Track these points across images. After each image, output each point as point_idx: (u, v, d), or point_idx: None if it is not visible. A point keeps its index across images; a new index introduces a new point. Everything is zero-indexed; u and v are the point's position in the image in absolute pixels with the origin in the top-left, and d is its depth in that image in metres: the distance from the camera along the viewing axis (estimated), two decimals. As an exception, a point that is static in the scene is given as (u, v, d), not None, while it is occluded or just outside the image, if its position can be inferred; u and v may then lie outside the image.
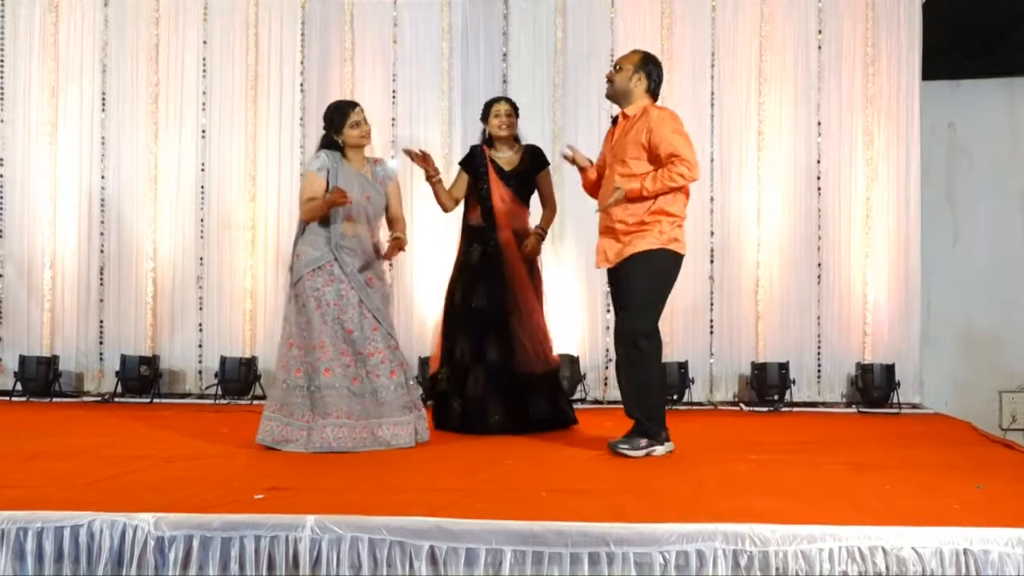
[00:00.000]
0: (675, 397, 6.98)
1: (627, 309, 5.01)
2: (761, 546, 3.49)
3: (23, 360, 7.15)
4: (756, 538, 3.50)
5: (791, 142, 7.25)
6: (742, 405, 7.08)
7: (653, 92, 5.13)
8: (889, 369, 6.99)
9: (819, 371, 7.22)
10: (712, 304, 7.26)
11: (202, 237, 7.37)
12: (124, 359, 7.16)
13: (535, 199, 6.01)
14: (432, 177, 5.74)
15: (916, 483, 4.48)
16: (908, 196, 7.17)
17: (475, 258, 5.81)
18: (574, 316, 7.20)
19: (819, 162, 7.24)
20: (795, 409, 6.96)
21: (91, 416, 6.51)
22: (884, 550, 3.49)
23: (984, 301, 7.49)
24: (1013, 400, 7.45)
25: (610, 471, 4.74)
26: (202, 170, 7.38)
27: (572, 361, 7.03)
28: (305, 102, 7.34)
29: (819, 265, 7.23)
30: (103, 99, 7.42)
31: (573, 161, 5.29)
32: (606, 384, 7.16)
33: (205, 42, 7.41)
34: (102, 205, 7.40)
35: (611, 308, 5.54)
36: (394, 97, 7.39)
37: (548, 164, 5.99)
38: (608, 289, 5.38)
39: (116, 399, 7.09)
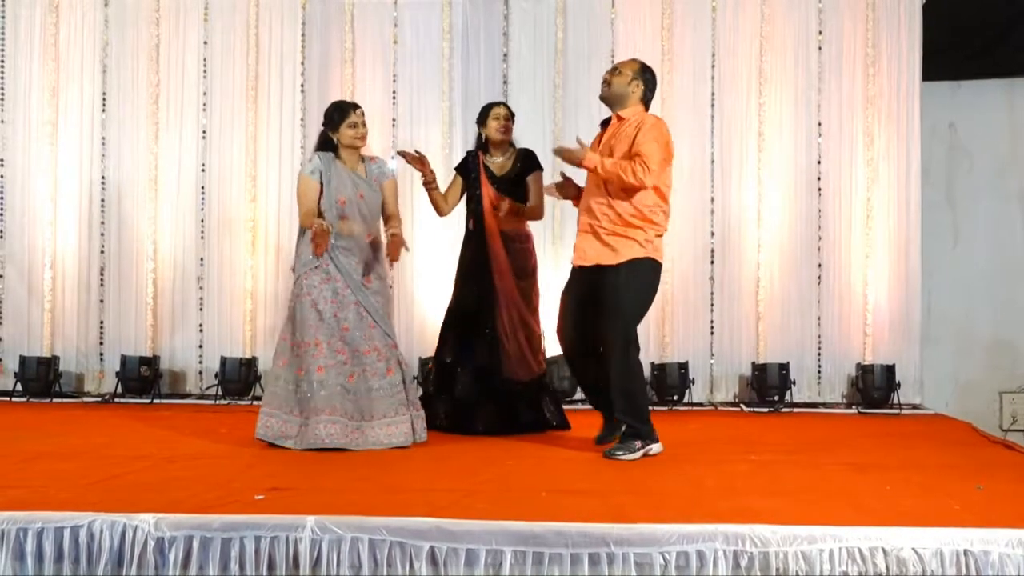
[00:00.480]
0: (675, 398, 6.99)
1: (618, 317, 5.00)
2: (761, 547, 3.49)
3: (23, 360, 7.14)
4: (756, 539, 3.50)
5: (791, 143, 7.25)
6: (742, 406, 7.08)
7: (646, 101, 5.22)
8: (889, 370, 6.99)
9: (819, 372, 7.22)
10: (712, 304, 7.26)
11: (202, 237, 7.37)
12: (124, 359, 7.16)
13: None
14: (428, 181, 5.77)
15: (916, 484, 4.48)
16: (908, 197, 7.18)
17: (467, 263, 5.86)
18: (574, 317, 7.18)
19: (819, 163, 7.25)
20: (795, 410, 6.96)
21: (91, 416, 6.51)
22: (884, 551, 3.49)
23: (984, 302, 7.49)
24: (1013, 401, 7.45)
25: (610, 472, 4.75)
26: (202, 170, 7.38)
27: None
28: (306, 102, 7.35)
29: (819, 266, 7.23)
30: (103, 99, 7.42)
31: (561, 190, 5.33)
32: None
33: (206, 42, 7.41)
34: (102, 205, 7.40)
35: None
36: (394, 97, 7.39)
37: (540, 168, 5.92)
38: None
39: (116, 399, 7.09)
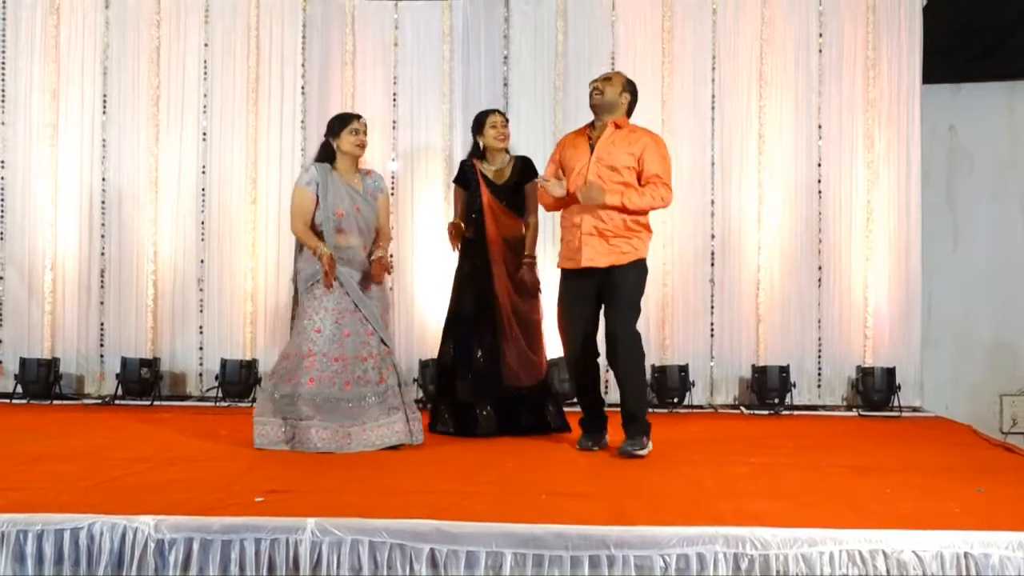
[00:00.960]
0: (675, 400, 6.98)
1: (626, 312, 5.23)
2: (762, 549, 3.49)
3: (24, 362, 7.14)
4: (757, 541, 3.50)
5: (792, 145, 7.25)
6: (742, 408, 7.07)
7: (631, 112, 5.44)
8: (890, 372, 6.99)
9: (820, 374, 7.21)
10: (713, 307, 7.26)
11: (203, 239, 7.37)
12: (125, 361, 7.16)
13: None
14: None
15: (917, 486, 4.48)
16: (909, 199, 7.17)
17: (467, 270, 5.88)
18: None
19: (820, 165, 7.25)
20: (796, 412, 6.96)
21: (92, 418, 6.51)
22: (885, 553, 3.49)
23: (985, 304, 7.49)
24: (1014, 403, 7.45)
25: (611, 474, 4.75)
26: (203, 172, 7.38)
27: (572, 364, 7.01)
28: (306, 104, 7.35)
29: (820, 268, 7.23)
30: (104, 101, 7.42)
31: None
32: (606, 387, 7.14)
33: (206, 44, 7.41)
34: (103, 207, 7.40)
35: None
36: (395, 100, 7.40)
37: (538, 175, 5.84)
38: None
39: (117, 401, 7.09)
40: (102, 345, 7.38)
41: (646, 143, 5.27)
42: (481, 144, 5.90)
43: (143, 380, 7.11)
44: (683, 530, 3.54)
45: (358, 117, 5.52)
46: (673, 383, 7.00)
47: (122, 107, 7.41)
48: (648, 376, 6.85)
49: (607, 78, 5.40)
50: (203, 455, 5.11)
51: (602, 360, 5.50)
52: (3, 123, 7.44)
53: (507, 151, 5.94)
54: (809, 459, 5.25)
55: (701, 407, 7.13)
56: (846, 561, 3.49)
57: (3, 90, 7.45)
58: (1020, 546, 3.48)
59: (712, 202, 7.24)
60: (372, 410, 5.30)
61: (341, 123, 5.46)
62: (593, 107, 5.37)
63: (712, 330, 7.25)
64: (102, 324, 7.38)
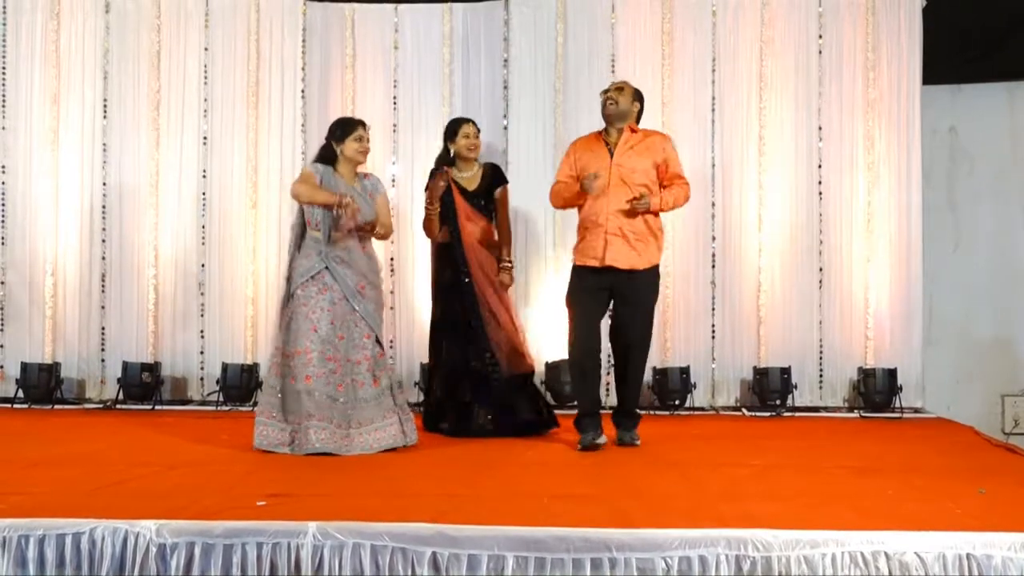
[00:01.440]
0: (677, 402, 6.98)
1: (644, 320, 5.57)
2: (764, 551, 3.48)
3: (25, 367, 7.14)
4: (759, 543, 3.49)
5: (792, 146, 7.25)
6: (744, 410, 7.07)
7: (639, 119, 5.73)
8: (891, 373, 6.99)
9: (821, 376, 7.21)
10: (714, 309, 7.25)
11: (204, 243, 7.37)
12: (126, 366, 7.16)
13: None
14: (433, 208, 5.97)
15: (918, 487, 4.48)
16: (909, 200, 7.17)
17: (447, 276, 6.01)
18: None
19: (820, 166, 7.25)
20: (797, 414, 6.96)
21: (93, 423, 6.52)
22: (887, 555, 3.49)
23: (986, 305, 7.49)
24: (1015, 404, 7.45)
25: (612, 476, 4.75)
26: (203, 176, 7.38)
27: (574, 366, 7.01)
28: (306, 108, 7.35)
29: (820, 269, 7.22)
30: (104, 106, 7.43)
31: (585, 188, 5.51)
32: (607, 390, 7.15)
33: (206, 49, 7.42)
34: (104, 212, 7.40)
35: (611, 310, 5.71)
36: (395, 103, 7.40)
37: (506, 182, 6.16)
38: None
39: (118, 406, 7.08)
40: (103, 349, 7.38)
41: (664, 147, 5.58)
42: (452, 151, 6.05)
43: (144, 384, 7.11)
44: (685, 532, 3.54)
45: (363, 124, 5.56)
46: (674, 385, 7.00)
47: (122, 111, 7.42)
48: (649, 378, 6.89)
49: (619, 88, 5.59)
50: (204, 459, 5.10)
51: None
52: (3, 128, 7.45)
53: (476, 160, 6.10)
54: (811, 460, 5.25)
55: (703, 409, 7.13)
56: (848, 563, 3.49)
57: (4, 95, 7.46)
58: (1022, 547, 3.48)
59: (713, 204, 7.24)
60: (368, 411, 5.34)
61: (346, 129, 5.50)
62: (607, 116, 5.58)
63: (713, 332, 7.25)
64: (103, 328, 7.38)
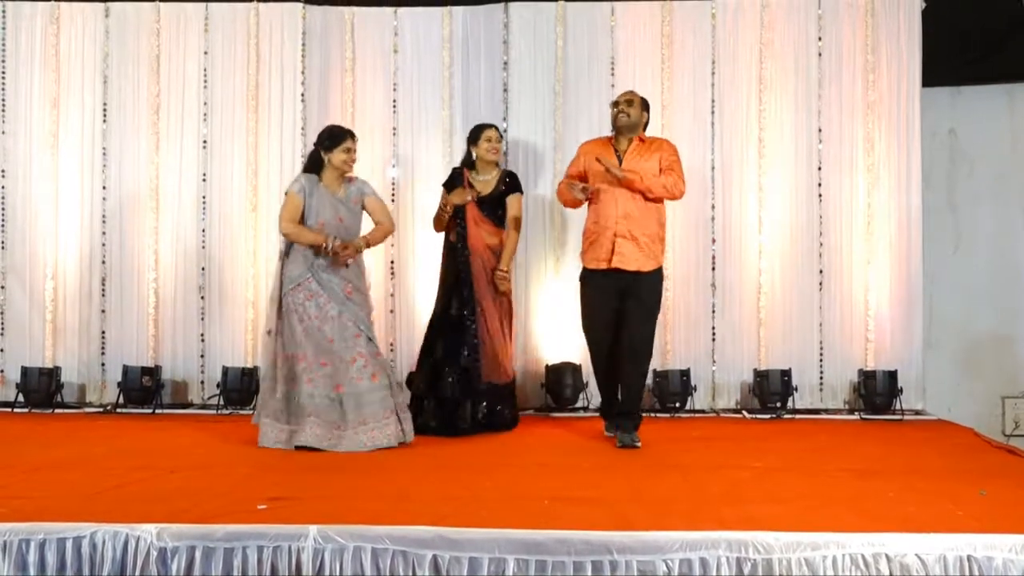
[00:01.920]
0: (677, 405, 6.98)
1: (647, 321, 5.74)
2: (765, 553, 3.49)
3: (25, 371, 7.14)
4: (760, 545, 3.50)
5: (792, 148, 7.25)
6: (744, 412, 7.06)
7: (646, 127, 5.99)
8: (892, 375, 6.98)
9: (821, 378, 7.21)
10: (714, 311, 7.25)
11: (204, 247, 7.37)
12: (126, 370, 7.15)
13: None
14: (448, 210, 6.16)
15: (919, 489, 4.48)
16: (909, 202, 7.17)
17: (451, 273, 6.22)
18: (573, 325, 7.16)
19: (820, 168, 7.24)
20: (798, 416, 6.95)
21: (93, 427, 6.52)
22: (888, 557, 3.49)
23: (986, 306, 7.49)
24: (1016, 406, 7.45)
25: (613, 479, 4.75)
26: (203, 180, 7.38)
27: (574, 370, 7.02)
28: (306, 112, 7.35)
29: (821, 271, 7.22)
30: (104, 110, 7.43)
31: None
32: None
33: (206, 52, 7.42)
34: (103, 216, 7.40)
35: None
36: (395, 106, 7.40)
37: (521, 192, 6.37)
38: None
39: (118, 410, 7.08)
40: (103, 353, 7.37)
41: (664, 149, 5.85)
42: (474, 154, 6.29)
43: (145, 388, 7.10)
44: (686, 535, 3.54)
45: (352, 136, 5.76)
46: (675, 387, 7.00)
47: (122, 115, 7.42)
48: (649, 380, 6.88)
49: (629, 101, 5.83)
50: (205, 463, 5.11)
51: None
52: (3, 132, 7.45)
53: (497, 164, 6.31)
54: (811, 463, 5.25)
55: (703, 411, 7.12)
56: (849, 565, 3.49)
57: (3, 99, 7.46)
58: (1023, 549, 3.48)
59: (713, 206, 7.24)
60: (368, 408, 5.48)
61: (335, 140, 5.70)
62: (618, 128, 5.85)
63: (714, 334, 7.25)
64: (103, 332, 7.38)
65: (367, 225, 5.90)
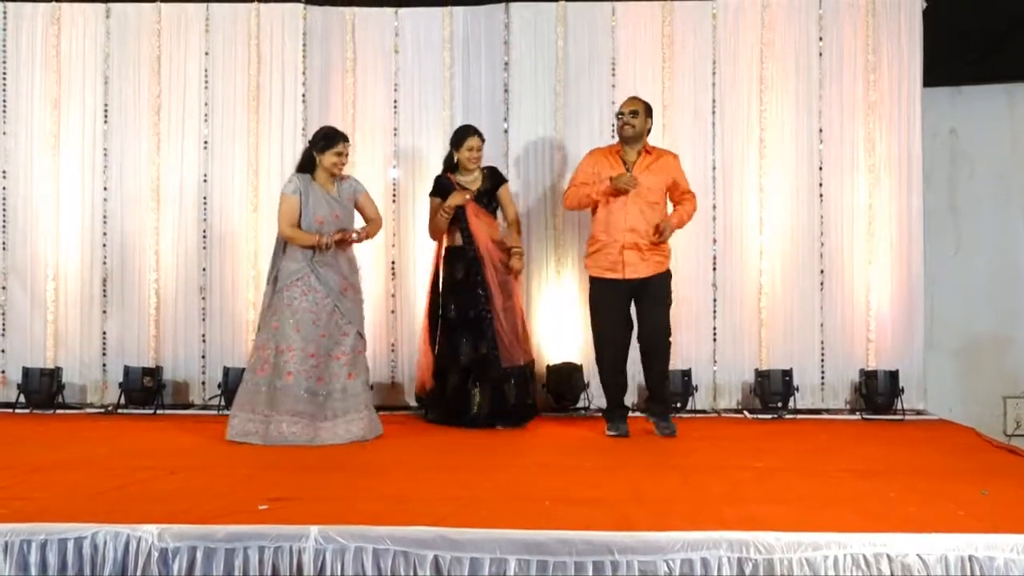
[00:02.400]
0: (679, 405, 6.97)
1: (667, 314, 6.05)
2: (766, 553, 3.49)
3: (26, 372, 7.13)
4: (761, 545, 3.50)
5: (793, 149, 7.25)
6: (746, 412, 7.06)
7: (649, 132, 6.18)
8: (893, 375, 6.98)
9: (823, 378, 7.20)
10: (715, 311, 7.24)
11: (205, 248, 7.37)
12: (127, 370, 7.15)
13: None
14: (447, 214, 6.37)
15: (921, 489, 4.48)
16: (910, 203, 7.17)
17: (460, 274, 6.40)
18: (575, 325, 7.19)
19: (821, 169, 7.24)
20: (799, 416, 6.95)
21: (94, 428, 6.52)
22: (889, 557, 3.49)
23: (987, 306, 7.49)
24: (1017, 406, 7.45)
25: (614, 480, 4.74)
26: (204, 181, 7.39)
27: (575, 370, 7.02)
28: (307, 112, 7.35)
29: (822, 272, 7.22)
30: (105, 111, 7.43)
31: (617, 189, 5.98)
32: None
33: (207, 53, 7.42)
34: (105, 216, 7.39)
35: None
36: (395, 107, 7.40)
37: (506, 181, 6.63)
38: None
39: (119, 410, 7.07)
40: (104, 354, 7.37)
41: (674, 166, 6.13)
42: (456, 158, 6.48)
43: (146, 389, 7.10)
44: (687, 535, 3.54)
45: (344, 139, 5.97)
46: (676, 388, 6.97)
47: (123, 116, 7.42)
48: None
49: (634, 112, 6.01)
50: (206, 463, 5.11)
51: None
52: (4, 133, 7.45)
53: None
54: (813, 463, 5.25)
55: (704, 412, 7.12)
56: (850, 565, 3.49)
57: (4, 100, 7.46)
58: (1024, 548, 3.48)
59: (714, 206, 7.23)
60: (342, 404, 5.75)
61: (328, 142, 5.90)
62: (625, 139, 6.06)
63: (715, 334, 7.24)
64: (104, 333, 7.38)
65: (359, 223, 6.10)
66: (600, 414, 6.46)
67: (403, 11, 7.42)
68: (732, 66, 7.27)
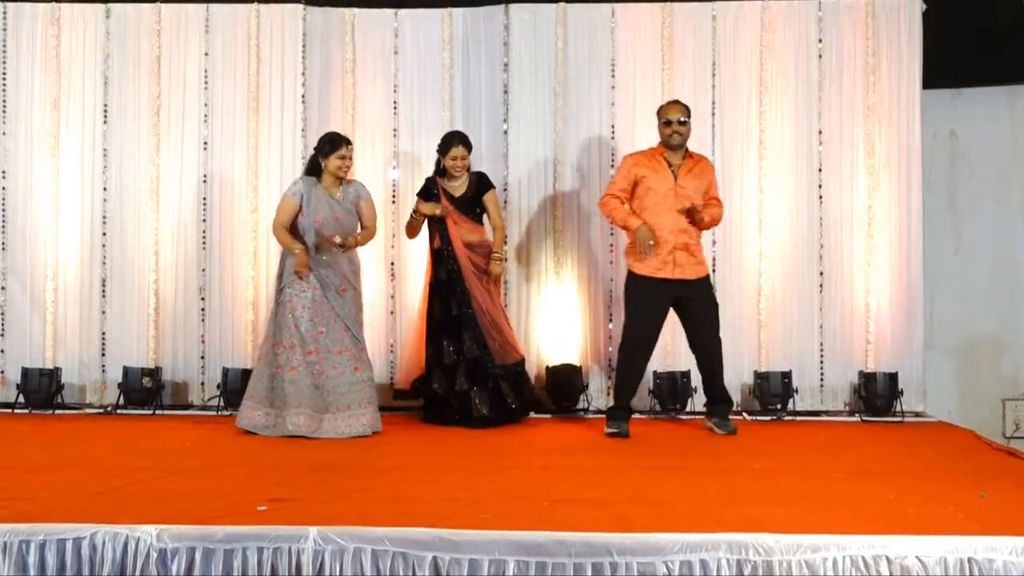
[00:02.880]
0: (678, 406, 6.97)
1: (718, 315, 6.27)
2: (765, 555, 3.49)
3: (25, 372, 7.13)
4: (760, 547, 3.50)
5: (792, 150, 7.25)
6: (745, 414, 7.05)
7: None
8: (892, 377, 6.98)
9: (822, 380, 7.20)
10: (714, 313, 7.24)
11: (204, 248, 7.37)
12: (126, 371, 7.15)
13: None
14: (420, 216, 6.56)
15: (920, 491, 4.48)
16: (910, 204, 7.17)
17: (443, 276, 6.53)
18: (575, 326, 7.20)
19: (820, 170, 7.24)
20: (798, 418, 6.95)
21: (93, 428, 6.52)
22: (888, 559, 3.49)
23: (987, 308, 7.49)
24: (1016, 408, 7.45)
25: (614, 481, 4.75)
26: (204, 181, 7.38)
27: (575, 371, 7.03)
28: (307, 113, 7.34)
29: (821, 274, 7.22)
30: (105, 111, 7.42)
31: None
32: (608, 394, 7.15)
33: (207, 54, 7.42)
34: (104, 217, 7.39)
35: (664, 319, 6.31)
36: (395, 107, 7.40)
37: (493, 187, 6.70)
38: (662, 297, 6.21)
39: (118, 411, 7.07)
40: (104, 354, 7.36)
41: (710, 171, 6.35)
42: (443, 164, 6.60)
43: (145, 389, 7.10)
44: (686, 536, 3.54)
45: (347, 143, 6.21)
46: (676, 389, 6.98)
47: (123, 117, 7.41)
48: (651, 383, 6.89)
49: (683, 121, 6.18)
50: (205, 464, 5.11)
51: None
52: (4, 133, 7.44)
53: (467, 169, 6.66)
54: (812, 465, 5.25)
55: (704, 413, 7.11)
56: (849, 567, 3.49)
57: (4, 100, 7.46)
58: (1023, 551, 3.48)
59: (713, 208, 7.23)
60: (347, 398, 5.95)
61: (332, 146, 6.15)
62: (672, 146, 6.20)
63: (714, 336, 7.23)
64: (104, 333, 7.37)
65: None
66: (600, 415, 6.46)
67: (403, 12, 7.42)
68: (732, 68, 7.27)
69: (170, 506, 4.00)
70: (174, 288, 7.36)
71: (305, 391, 5.92)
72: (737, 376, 7.19)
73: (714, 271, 7.21)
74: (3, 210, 7.43)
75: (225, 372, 7.07)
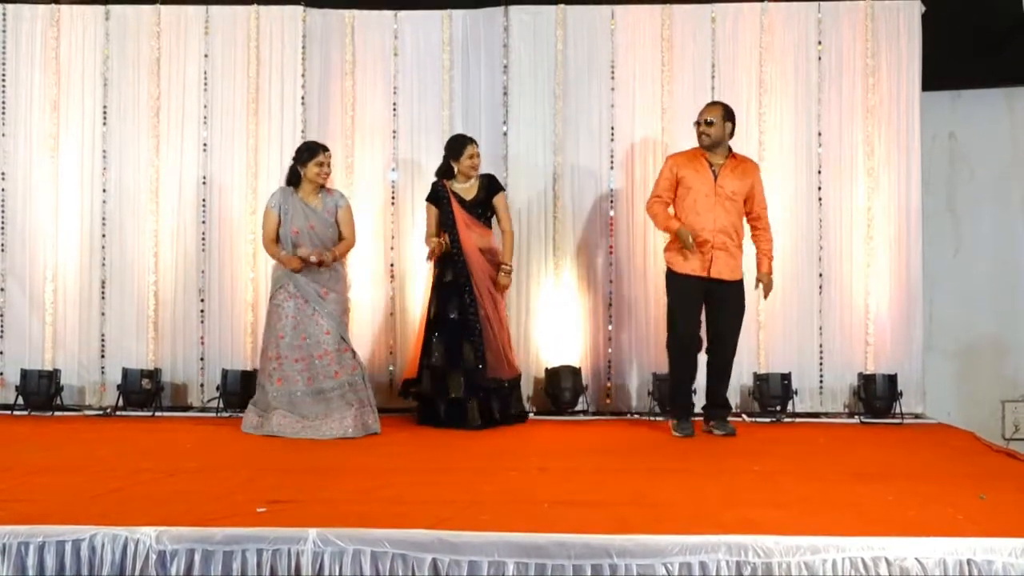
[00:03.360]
0: (677, 408, 6.97)
1: (740, 321, 6.29)
2: (764, 557, 3.49)
3: (24, 374, 7.13)
4: (759, 549, 3.50)
5: (791, 152, 7.25)
6: (744, 416, 7.05)
7: (732, 134, 6.28)
8: (891, 379, 6.98)
9: (821, 381, 7.20)
10: (714, 314, 7.23)
11: (204, 250, 7.36)
12: (126, 372, 7.15)
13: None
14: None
15: (919, 493, 4.48)
16: (909, 206, 7.17)
17: (448, 278, 6.48)
18: (575, 328, 7.20)
19: (820, 172, 7.24)
20: (797, 420, 6.95)
21: (93, 430, 6.51)
22: (887, 560, 3.49)
23: (986, 310, 7.49)
24: (1016, 410, 7.45)
25: (613, 483, 4.75)
26: (204, 183, 7.38)
27: (574, 373, 7.03)
28: (306, 115, 7.34)
29: (820, 275, 7.22)
30: (104, 113, 7.42)
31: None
32: (608, 396, 7.15)
33: (206, 55, 7.42)
34: (103, 218, 7.38)
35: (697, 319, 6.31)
36: (395, 109, 7.40)
37: (503, 190, 6.71)
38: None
39: (118, 413, 7.07)
40: (103, 356, 7.36)
41: (756, 175, 6.28)
42: (455, 168, 6.55)
43: (144, 391, 7.10)
44: (685, 538, 3.54)
45: (324, 150, 6.27)
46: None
47: (122, 118, 7.41)
48: (650, 384, 6.90)
49: (709, 121, 6.14)
50: (204, 466, 5.11)
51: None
52: (3, 135, 7.44)
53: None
54: (811, 466, 5.25)
55: (702, 416, 7.10)
56: (849, 568, 3.49)
57: (3, 102, 7.45)
58: (1023, 552, 3.48)
59: (713, 209, 7.23)
60: (331, 403, 6.03)
61: (309, 154, 6.23)
62: (705, 146, 6.18)
63: (713, 338, 7.23)
64: (103, 335, 7.37)
65: None
66: (598, 417, 6.45)
67: (402, 14, 7.42)
68: (731, 69, 7.27)
69: (169, 508, 4.00)
70: (173, 290, 7.36)
71: (291, 398, 6.03)
72: (736, 377, 7.14)
73: (714, 273, 7.21)
74: (2, 211, 7.43)
75: (224, 374, 7.07)
